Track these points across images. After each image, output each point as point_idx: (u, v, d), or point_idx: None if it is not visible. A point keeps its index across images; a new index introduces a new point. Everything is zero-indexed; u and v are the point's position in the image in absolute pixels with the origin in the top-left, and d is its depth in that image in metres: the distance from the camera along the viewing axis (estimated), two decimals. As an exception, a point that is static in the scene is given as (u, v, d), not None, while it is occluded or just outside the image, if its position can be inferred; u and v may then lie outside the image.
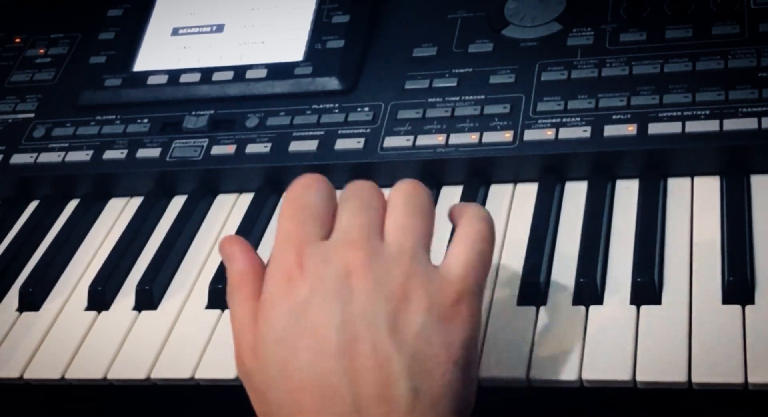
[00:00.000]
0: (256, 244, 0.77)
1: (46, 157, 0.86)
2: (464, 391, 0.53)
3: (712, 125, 0.72)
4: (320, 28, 0.87)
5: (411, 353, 0.51)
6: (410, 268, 0.53)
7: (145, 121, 0.86)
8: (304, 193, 0.57)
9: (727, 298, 0.63)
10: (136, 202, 0.84)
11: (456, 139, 0.77)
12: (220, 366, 0.67)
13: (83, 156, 0.85)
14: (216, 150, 0.82)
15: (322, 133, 0.81)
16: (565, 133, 0.75)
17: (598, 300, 0.65)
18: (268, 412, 0.54)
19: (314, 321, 0.52)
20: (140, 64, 0.90)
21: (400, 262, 0.54)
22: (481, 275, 0.55)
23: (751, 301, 0.63)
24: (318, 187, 0.58)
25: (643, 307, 0.64)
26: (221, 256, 0.59)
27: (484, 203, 0.76)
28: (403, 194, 0.57)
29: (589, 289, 0.65)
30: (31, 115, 0.90)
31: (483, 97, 0.79)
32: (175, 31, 0.92)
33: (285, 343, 0.52)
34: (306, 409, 0.51)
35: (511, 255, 0.71)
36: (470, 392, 0.54)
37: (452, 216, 0.60)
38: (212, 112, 0.85)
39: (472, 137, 0.76)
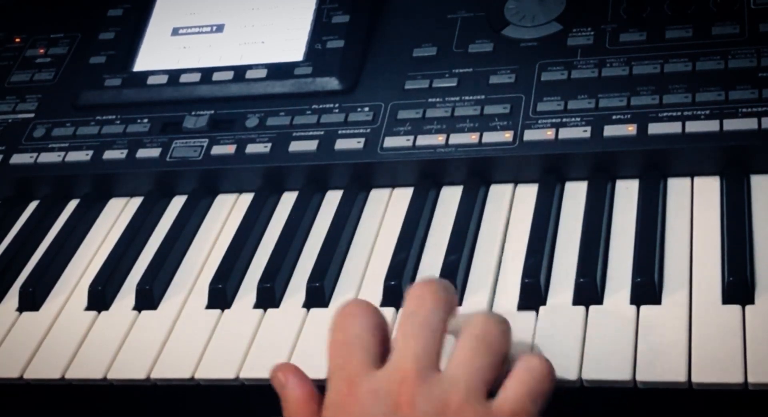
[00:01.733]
0: (256, 244, 0.77)
1: (46, 157, 0.86)
2: None
3: (712, 125, 0.72)
4: (320, 28, 0.87)
5: None
6: (461, 405, 0.53)
7: (145, 121, 0.86)
8: (348, 323, 0.59)
9: (727, 298, 0.63)
10: (136, 202, 0.84)
11: (456, 139, 0.77)
12: (220, 366, 0.67)
13: (83, 156, 0.85)
14: (216, 150, 0.82)
15: (322, 133, 0.81)
16: (565, 133, 0.75)
17: (598, 300, 0.65)
18: None
19: None
20: (140, 64, 0.90)
21: (451, 396, 0.54)
22: (533, 414, 0.55)
23: (751, 301, 0.63)
24: (362, 314, 0.59)
25: (643, 307, 0.64)
26: (273, 384, 0.60)
27: (483, 203, 0.75)
28: (477, 330, 0.57)
29: (589, 289, 0.65)
30: (31, 115, 0.90)
31: (483, 97, 0.79)
32: (175, 31, 0.92)
33: None
34: None
35: (511, 255, 0.71)
36: None
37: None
38: (212, 112, 0.85)
39: (472, 137, 0.76)
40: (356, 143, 0.79)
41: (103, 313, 0.75)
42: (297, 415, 0.59)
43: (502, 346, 0.57)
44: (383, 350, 0.58)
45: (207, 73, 0.87)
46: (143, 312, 0.74)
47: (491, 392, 0.56)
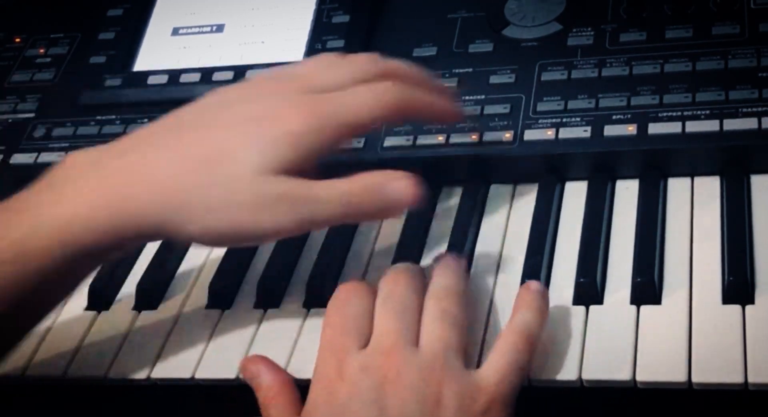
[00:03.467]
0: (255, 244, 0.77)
1: (46, 157, 0.86)
2: None
3: (712, 125, 0.72)
4: (320, 28, 0.87)
5: None
6: (443, 374, 0.57)
7: (145, 121, 0.86)
8: (344, 304, 0.62)
9: (727, 298, 0.63)
10: (136, 202, 0.84)
11: (456, 138, 0.77)
12: (220, 366, 0.67)
13: (83, 156, 0.85)
14: (216, 150, 0.82)
15: (322, 133, 0.80)
16: (565, 133, 0.75)
17: (598, 300, 0.65)
18: None
19: None
20: (140, 64, 0.90)
21: (433, 368, 0.57)
22: (514, 384, 0.58)
23: (751, 301, 0.63)
24: (358, 295, 0.63)
25: (643, 307, 0.64)
26: (245, 377, 0.64)
27: (483, 203, 0.76)
28: (437, 299, 0.61)
29: (589, 289, 0.65)
30: (32, 115, 0.90)
31: (483, 97, 0.79)
32: (175, 31, 0.92)
33: None
34: None
35: (511, 255, 0.71)
36: None
37: (516, 301, 0.63)
38: (212, 112, 0.85)
39: (473, 137, 0.76)
40: (356, 142, 0.79)
41: (103, 313, 0.75)
42: (273, 403, 0.61)
43: (465, 312, 0.61)
44: (371, 329, 0.61)
45: (207, 73, 0.87)
46: (143, 312, 0.74)
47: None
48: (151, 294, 0.74)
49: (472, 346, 0.62)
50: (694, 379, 0.59)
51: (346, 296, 0.63)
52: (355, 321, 0.61)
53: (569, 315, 0.65)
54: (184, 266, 0.77)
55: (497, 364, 0.58)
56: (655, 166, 0.73)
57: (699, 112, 0.73)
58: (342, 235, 0.75)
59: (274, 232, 0.60)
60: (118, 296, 0.76)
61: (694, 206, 0.71)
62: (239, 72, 0.86)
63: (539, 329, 0.61)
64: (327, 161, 0.79)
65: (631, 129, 0.73)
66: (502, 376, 0.58)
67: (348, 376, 0.57)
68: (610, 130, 0.74)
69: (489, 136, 0.76)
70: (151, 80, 0.88)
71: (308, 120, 0.61)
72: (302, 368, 0.65)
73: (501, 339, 0.60)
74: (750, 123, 0.71)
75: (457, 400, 0.56)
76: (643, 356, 0.61)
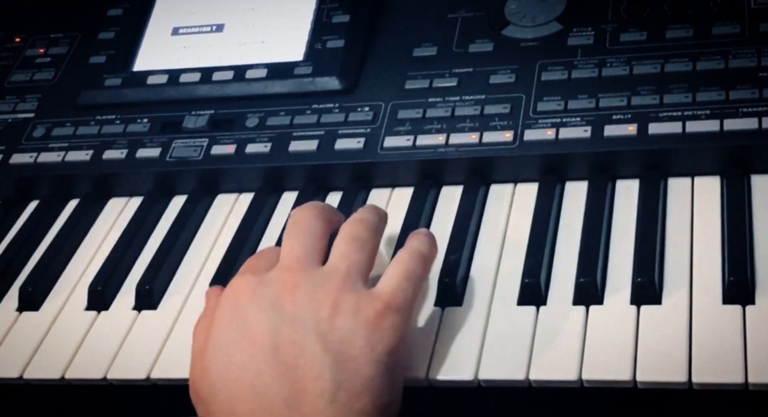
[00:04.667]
0: (256, 244, 0.77)
1: (46, 157, 0.86)
2: (388, 390, 0.59)
3: (712, 125, 0.72)
4: (320, 28, 0.87)
5: (336, 352, 0.57)
6: (342, 285, 0.60)
7: (145, 120, 0.86)
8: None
9: (727, 298, 0.63)
10: (136, 202, 0.84)
11: (456, 139, 0.77)
12: (220, 366, 0.67)
13: (83, 156, 0.85)
14: (216, 150, 0.82)
15: (322, 133, 0.81)
16: (566, 133, 0.75)
17: (598, 300, 0.65)
18: None
19: (249, 327, 0.59)
20: (140, 64, 0.90)
21: (332, 280, 0.61)
22: (409, 295, 0.62)
23: (751, 301, 0.63)
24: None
25: (643, 307, 0.64)
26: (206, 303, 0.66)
27: (483, 203, 0.76)
28: (350, 226, 0.65)
29: (589, 289, 0.65)
30: (31, 115, 0.90)
31: (483, 96, 0.79)
32: (175, 31, 0.92)
33: (224, 349, 0.59)
34: (242, 408, 0.57)
35: (511, 255, 0.71)
36: (395, 392, 0.60)
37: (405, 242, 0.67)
38: (212, 111, 0.85)
39: (472, 137, 0.76)
40: (356, 143, 0.79)
41: (103, 313, 0.75)
42: (199, 322, 0.64)
43: (373, 241, 0.65)
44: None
45: (207, 72, 0.87)
46: (143, 312, 0.74)
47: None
48: (150, 294, 0.74)
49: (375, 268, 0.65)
50: (694, 379, 0.59)
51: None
52: (271, 250, 0.66)
53: (569, 315, 0.65)
54: (184, 266, 0.77)
55: (391, 277, 0.62)
56: (655, 166, 0.73)
57: (699, 112, 0.73)
58: (342, 235, 0.75)
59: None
60: (118, 296, 0.76)
61: (694, 206, 0.71)
62: (239, 72, 0.86)
63: (430, 252, 0.65)
64: (327, 162, 0.79)
65: (631, 129, 0.73)
66: (396, 285, 0.61)
67: (251, 289, 0.61)
68: (610, 130, 0.74)
69: (489, 136, 0.76)
70: (151, 80, 0.88)
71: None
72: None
73: (394, 259, 0.64)
74: (750, 123, 0.71)
75: (352, 305, 0.59)
76: (643, 356, 0.60)
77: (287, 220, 0.66)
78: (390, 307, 0.60)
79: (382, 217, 0.68)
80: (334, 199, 0.79)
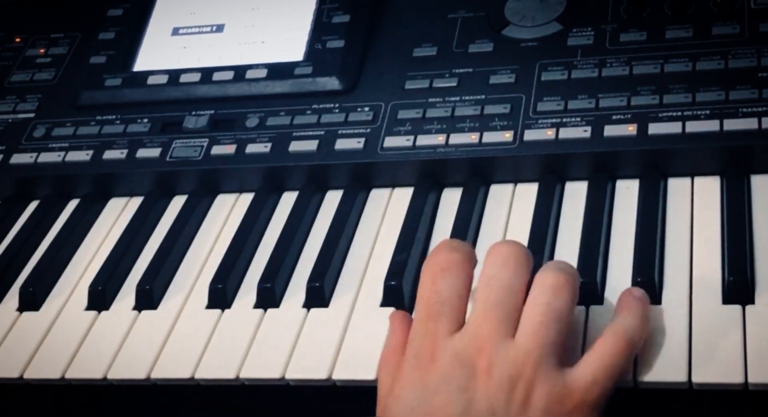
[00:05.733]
0: (256, 244, 0.77)
1: (46, 157, 0.86)
2: None
3: (712, 125, 0.72)
4: (320, 28, 0.87)
5: None
6: (534, 372, 0.56)
7: (145, 121, 0.86)
8: (440, 278, 0.61)
9: (727, 298, 0.63)
10: (136, 202, 0.84)
11: (456, 139, 0.77)
12: (220, 366, 0.67)
13: (83, 156, 0.85)
14: (216, 150, 0.82)
15: (322, 133, 0.81)
16: (565, 133, 0.75)
17: (599, 300, 0.65)
18: None
19: (438, 408, 0.56)
20: (140, 64, 0.90)
21: (525, 366, 0.56)
22: (607, 389, 0.57)
23: (751, 301, 0.63)
24: (453, 274, 0.61)
25: (643, 307, 0.64)
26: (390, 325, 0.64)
27: (483, 203, 0.76)
28: (547, 292, 0.59)
29: (589, 289, 0.65)
30: (31, 115, 0.90)
31: (483, 97, 0.79)
32: (175, 31, 0.92)
33: (406, 414, 0.57)
34: None
35: (511, 255, 0.71)
36: None
37: (617, 304, 0.61)
38: (212, 112, 0.85)
39: (472, 137, 0.76)
40: (356, 143, 0.79)
41: (103, 313, 0.75)
42: (386, 360, 0.61)
43: (569, 313, 0.59)
44: (465, 310, 0.61)
45: (207, 73, 0.87)
46: (143, 312, 0.74)
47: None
48: (150, 294, 0.74)
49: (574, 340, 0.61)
50: (694, 379, 0.59)
51: (442, 270, 0.61)
52: (450, 302, 0.60)
53: (569, 315, 0.65)
54: (184, 266, 0.77)
55: (592, 366, 0.57)
56: (655, 166, 0.73)
57: (699, 112, 0.73)
58: (342, 236, 0.75)
59: None
60: (118, 296, 0.76)
61: (694, 206, 0.71)
62: (239, 72, 0.86)
63: (640, 336, 0.59)
64: (327, 162, 0.79)
65: (631, 129, 0.73)
66: (594, 379, 0.57)
67: (440, 361, 0.58)
68: (610, 130, 0.74)
69: (489, 136, 0.76)
70: (151, 80, 0.88)
71: None
72: (301, 368, 0.66)
73: (600, 340, 0.59)
74: (750, 123, 0.71)
75: (545, 401, 0.56)
76: (643, 356, 0.60)
77: (486, 257, 0.61)
78: (585, 404, 0.56)
79: (575, 273, 0.61)
80: (334, 198, 0.79)
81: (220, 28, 0.91)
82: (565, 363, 0.58)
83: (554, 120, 0.76)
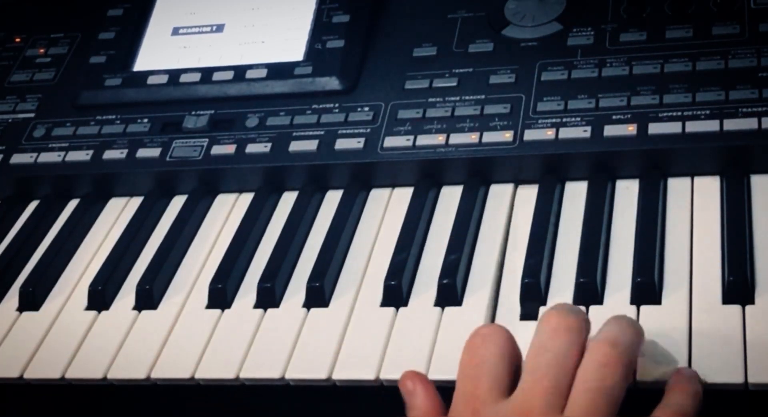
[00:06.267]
0: (256, 244, 0.77)
1: (46, 157, 0.86)
2: None
3: (712, 125, 0.72)
4: (320, 28, 0.87)
5: None
6: None
7: (145, 121, 0.86)
8: (481, 346, 0.58)
9: (727, 298, 0.63)
10: (136, 202, 0.84)
11: (456, 139, 0.77)
12: (220, 366, 0.67)
13: (83, 156, 0.85)
14: (216, 150, 0.82)
15: (322, 133, 0.81)
16: (565, 133, 0.75)
17: (598, 300, 0.65)
18: None
19: None
20: (140, 64, 0.90)
21: None
22: None
23: (751, 301, 0.63)
24: (494, 340, 0.58)
25: (643, 307, 0.64)
26: (401, 389, 0.60)
27: (484, 203, 0.76)
28: (598, 371, 0.55)
29: (589, 289, 0.65)
30: (31, 115, 0.90)
31: (483, 97, 0.79)
32: (175, 31, 0.92)
33: None
34: None
35: (512, 255, 0.71)
36: None
37: (668, 384, 0.59)
38: (212, 112, 0.85)
39: (472, 137, 0.76)
40: (356, 143, 0.79)
41: (103, 313, 0.75)
42: None
43: (621, 392, 0.55)
44: (512, 379, 0.57)
45: (207, 72, 0.87)
46: (143, 312, 0.74)
47: None
48: (150, 294, 0.74)
49: None
50: (694, 379, 0.59)
51: (481, 340, 0.58)
52: (491, 366, 0.57)
53: (569, 315, 0.65)
54: (184, 266, 0.77)
55: None
56: (656, 166, 0.73)
57: (699, 112, 0.73)
58: (342, 236, 0.75)
59: None
60: (118, 296, 0.76)
61: (694, 206, 0.71)
62: (239, 72, 0.86)
63: (694, 414, 0.57)
64: (327, 162, 0.79)
65: (631, 129, 0.73)
66: None
67: None
68: (610, 130, 0.74)
69: (489, 136, 0.76)
70: (151, 80, 0.88)
71: None
72: (301, 368, 0.66)
73: (660, 408, 0.56)
74: (750, 123, 0.71)
75: None
76: (643, 356, 0.60)
77: (538, 324, 0.58)
78: None
79: (638, 334, 0.58)
80: (334, 198, 0.79)
81: (220, 28, 0.91)
82: None
83: (554, 120, 0.76)
